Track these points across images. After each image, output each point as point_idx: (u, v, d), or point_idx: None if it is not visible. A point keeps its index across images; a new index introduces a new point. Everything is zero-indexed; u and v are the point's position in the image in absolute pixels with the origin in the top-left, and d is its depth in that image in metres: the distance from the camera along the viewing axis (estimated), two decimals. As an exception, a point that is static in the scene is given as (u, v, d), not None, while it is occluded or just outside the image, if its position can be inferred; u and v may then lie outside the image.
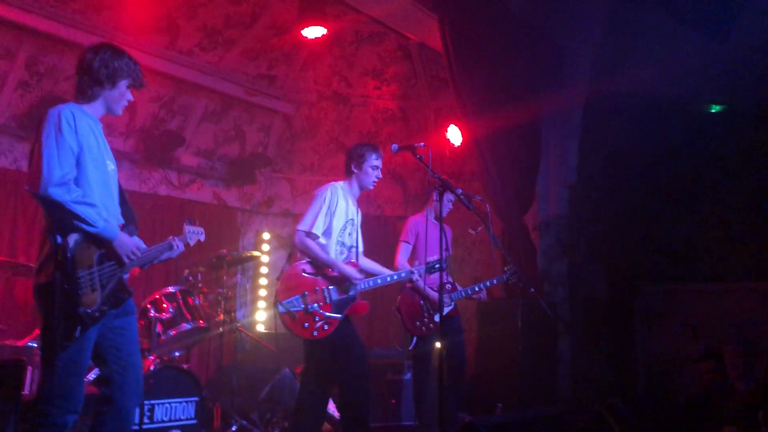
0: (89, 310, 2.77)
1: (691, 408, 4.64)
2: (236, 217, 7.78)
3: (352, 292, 3.99)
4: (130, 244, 2.96)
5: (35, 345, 4.38)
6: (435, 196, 4.89)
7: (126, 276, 3.04)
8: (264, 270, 7.83)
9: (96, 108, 3.01)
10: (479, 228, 5.09)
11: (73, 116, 2.86)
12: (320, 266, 3.96)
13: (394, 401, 5.64)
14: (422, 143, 4.06)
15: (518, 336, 5.22)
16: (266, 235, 7.94)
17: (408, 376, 5.65)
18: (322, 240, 3.98)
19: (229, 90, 7.09)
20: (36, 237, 5.72)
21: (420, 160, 4.03)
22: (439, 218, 4.24)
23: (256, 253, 6.36)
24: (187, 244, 3.29)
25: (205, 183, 7.45)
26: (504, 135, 6.02)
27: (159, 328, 4.52)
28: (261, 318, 7.67)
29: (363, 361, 3.94)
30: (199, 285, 5.28)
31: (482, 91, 5.99)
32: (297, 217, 7.89)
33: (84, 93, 2.98)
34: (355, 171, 4.17)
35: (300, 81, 7.68)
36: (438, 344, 5.04)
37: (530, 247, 6.25)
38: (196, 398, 4.45)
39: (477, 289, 4.97)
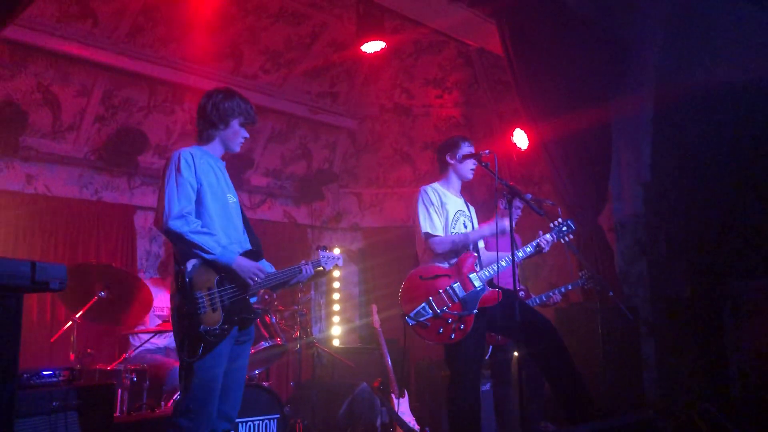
0: (210, 328, 2.93)
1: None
2: (307, 234, 7.90)
3: (478, 285, 3.84)
4: (251, 266, 3.11)
5: (122, 368, 4.54)
6: (501, 204, 4.80)
7: (254, 300, 3.23)
8: (336, 285, 7.91)
9: (215, 147, 3.26)
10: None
11: (192, 156, 3.10)
12: (452, 255, 3.87)
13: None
14: (488, 150, 3.98)
15: (599, 341, 5.06)
16: (337, 251, 8.00)
17: (487, 386, 5.56)
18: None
19: (293, 110, 7.23)
20: (118, 264, 5.98)
21: (486, 167, 3.96)
22: (510, 227, 4.14)
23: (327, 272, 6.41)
24: (321, 270, 3.49)
25: (275, 202, 7.61)
26: (572, 136, 5.88)
27: (238, 348, 4.59)
28: (336, 333, 7.73)
29: (468, 366, 3.81)
30: (275, 303, 5.36)
31: (547, 93, 5.87)
32: (365, 231, 8.07)
33: (201, 135, 3.26)
34: (451, 162, 4.06)
35: (362, 96, 7.75)
36: (516, 353, 4.93)
37: (607, 248, 6.06)
38: (277, 415, 4.49)
39: (551, 294, 4.85)
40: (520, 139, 6.57)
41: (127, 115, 6.17)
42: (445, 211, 3.99)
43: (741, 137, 6.13)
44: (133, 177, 6.34)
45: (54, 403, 3.27)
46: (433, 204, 3.95)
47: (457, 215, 4.02)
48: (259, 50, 6.61)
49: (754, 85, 5.94)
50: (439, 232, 3.91)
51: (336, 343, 7.60)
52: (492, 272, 3.89)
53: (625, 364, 5.61)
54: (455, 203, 4.06)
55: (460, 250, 3.92)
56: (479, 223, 4.30)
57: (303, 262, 3.40)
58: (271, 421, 4.48)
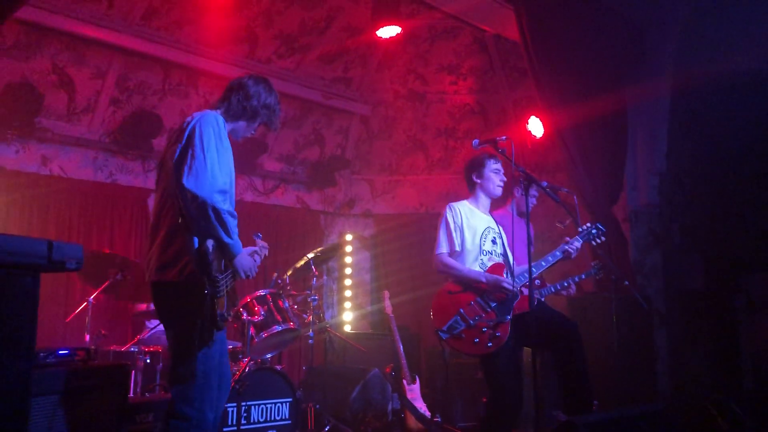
0: (222, 313, 2.83)
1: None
2: (319, 220, 7.90)
3: (509, 293, 3.82)
4: (248, 263, 3.01)
5: (136, 350, 4.57)
6: (517, 191, 4.79)
7: None
8: (348, 271, 7.92)
9: (228, 125, 3.09)
10: (567, 221, 4.92)
11: (224, 127, 2.98)
12: (467, 281, 3.89)
13: (485, 399, 5.55)
14: (504, 137, 3.95)
15: (613, 331, 5.02)
16: (349, 237, 8.02)
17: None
18: (469, 255, 3.96)
19: (307, 95, 7.21)
20: (132, 247, 6.00)
21: (503, 154, 3.93)
22: (526, 213, 4.13)
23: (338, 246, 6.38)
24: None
25: (288, 188, 7.60)
26: (588, 123, 5.81)
27: (252, 331, 4.62)
28: (348, 319, 7.75)
29: (506, 375, 3.79)
30: (288, 287, 5.37)
31: (563, 79, 5.80)
32: (377, 217, 8.07)
33: (228, 110, 3.11)
34: (478, 181, 4.11)
35: (376, 81, 7.71)
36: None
37: (621, 238, 6.02)
38: (290, 399, 4.51)
39: (566, 284, 4.81)
40: (536, 126, 6.51)
41: (141, 98, 6.17)
42: (473, 227, 4.00)
43: (759, 127, 6.04)
44: (148, 160, 6.35)
45: (69, 383, 3.29)
46: (455, 222, 3.98)
47: (486, 231, 4.03)
48: (273, 34, 6.58)
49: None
50: (450, 250, 3.93)
51: (347, 328, 7.61)
52: (524, 279, 3.86)
53: (637, 354, 5.57)
54: (483, 220, 4.07)
55: (460, 278, 3.91)
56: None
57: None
58: (284, 404, 4.50)
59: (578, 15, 5.93)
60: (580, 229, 4.07)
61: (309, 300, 5.26)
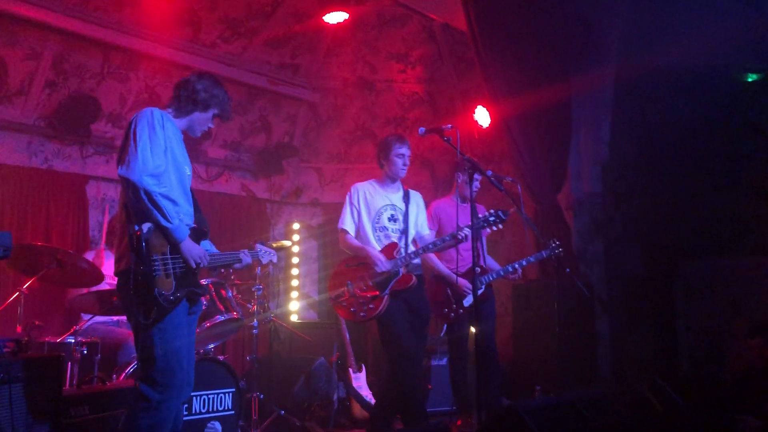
0: (164, 292, 2.91)
1: (742, 386, 4.49)
2: (265, 208, 7.79)
3: (393, 271, 4.09)
4: (196, 250, 3.10)
5: (72, 341, 4.42)
6: (460, 178, 4.83)
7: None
8: (295, 260, 7.84)
9: (182, 122, 3.28)
10: (511, 209, 4.98)
11: (163, 118, 3.09)
12: (358, 254, 4.20)
13: (430, 387, 5.60)
14: (450, 125, 3.99)
15: (555, 317, 5.11)
16: (296, 225, 7.94)
17: (442, 361, 5.61)
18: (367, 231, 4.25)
19: (253, 81, 7.07)
20: (70, 234, 5.81)
21: (448, 142, 3.96)
22: (471, 200, 4.18)
23: (286, 243, 6.33)
24: (258, 261, 3.57)
25: (232, 175, 7.47)
26: (534, 114, 5.89)
27: (193, 321, 4.52)
28: (294, 308, 7.68)
29: (404, 339, 4.01)
30: (232, 277, 5.28)
31: (510, 70, 5.86)
32: (326, 207, 8.00)
33: (178, 108, 3.26)
34: (384, 163, 4.33)
35: (324, 68, 7.62)
36: (473, 328, 4.97)
37: (564, 227, 6.13)
38: (233, 389, 4.45)
39: (510, 269, 4.87)
40: (482, 116, 6.56)
41: (79, 81, 5.94)
42: (370, 207, 4.28)
43: (698, 119, 6.22)
44: (86, 146, 6.14)
45: (-3, 376, 3.16)
46: (353, 204, 4.30)
47: (383, 209, 4.28)
48: (218, 18, 6.42)
49: (714, 68, 6.02)
50: (348, 228, 4.26)
51: (294, 318, 7.55)
52: (406, 260, 4.12)
53: (579, 340, 5.71)
54: (385, 198, 4.32)
55: (352, 253, 4.26)
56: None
57: (243, 251, 3.45)
58: (227, 395, 4.43)
59: (525, 6, 5.98)
60: (487, 212, 4.21)
61: (253, 289, 5.18)
